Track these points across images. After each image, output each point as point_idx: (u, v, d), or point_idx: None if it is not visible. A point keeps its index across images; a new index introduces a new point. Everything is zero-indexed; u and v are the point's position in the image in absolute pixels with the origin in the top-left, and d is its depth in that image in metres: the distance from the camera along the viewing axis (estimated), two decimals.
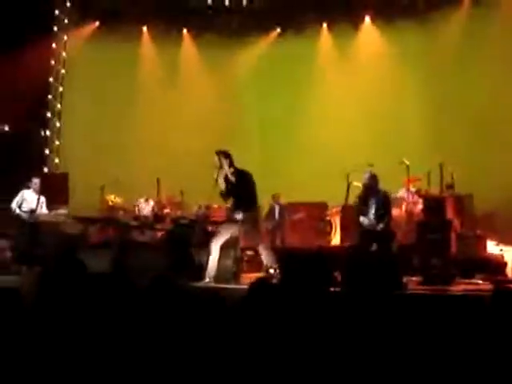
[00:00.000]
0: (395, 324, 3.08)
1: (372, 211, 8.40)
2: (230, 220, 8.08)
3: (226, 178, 7.86)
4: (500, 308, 3.31)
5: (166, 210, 11.50)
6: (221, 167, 7.87)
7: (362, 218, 8.41)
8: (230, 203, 8.16)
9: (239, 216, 7.85)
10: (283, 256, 7.62)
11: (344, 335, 2.97)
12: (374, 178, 8.49)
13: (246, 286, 3.60)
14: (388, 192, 8.67)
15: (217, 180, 7.89)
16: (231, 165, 7.92)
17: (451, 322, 3.03)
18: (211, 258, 7.80)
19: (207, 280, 7.68)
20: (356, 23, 14.23)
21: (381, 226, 8.30)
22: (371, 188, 8.49)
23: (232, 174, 7.85)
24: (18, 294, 3.40)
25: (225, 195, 8.00)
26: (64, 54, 14.15)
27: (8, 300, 3.28)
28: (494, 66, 12.19)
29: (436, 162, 10.39)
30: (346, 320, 3.19)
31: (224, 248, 7.95)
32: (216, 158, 7.93)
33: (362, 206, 8.53)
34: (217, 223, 9.70)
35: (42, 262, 7.59)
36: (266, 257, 7.93)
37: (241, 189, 7.86)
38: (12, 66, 11.99)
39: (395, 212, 9.99)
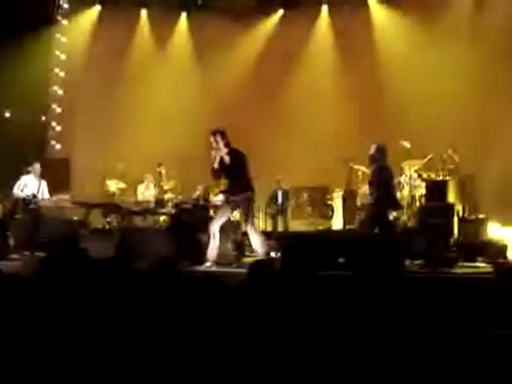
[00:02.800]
0: (397, 306, 3.09)
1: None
2: (227, 202, 7.97)
3: (221, 158, 7.73)
4: (500, 289, 3.32)
5: (167, 195, 11.49)
6: (217, 147, 7.76)
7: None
8: (223, 184, 8.04)
9: (236, 198, 7.74)
10: (285, 240, 7.62)
11: (345, 318, 2.97)
12: (378, 151, 8.36)
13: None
14: (387, 166, 8.42)
15: (214, 160, 7.77)
16: (227, 145, 7.81)
17: (452, 304, 3.03)
18: (211, 241, 7.76)
19: (209, 264, 7.67)
20: (357, 4, 14.11)
21: (370, 199, 8.27)
22: (375, 160, 8.35)
23: (227, 154, 7.72)
24: (19, 279, 3.40)
25: (216, 174, 7.90)
26: (65, 39, 14.08)
27: (9, 285, 3.28)
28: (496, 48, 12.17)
29: (439, 144, 10.35)
30: (347, 303, 3.19)
31: (224, 231, 7.93)
32: (212, 138, 7.81)
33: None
34: (217, 207, 9.70)
35: (44, 247, 7.60)
36: (254, 239, 7.78)
37: (235, 169, 7.73)
38: (13, 54, 11.98)
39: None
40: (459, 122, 12.00)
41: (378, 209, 8.19)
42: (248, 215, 7.85)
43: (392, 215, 8.41)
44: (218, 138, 7.79)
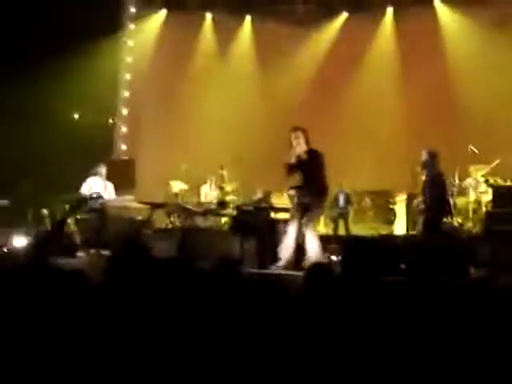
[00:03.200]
0: (459, 313, 3.03)
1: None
2: (298, 204, 7.72)
3: (298, 156, 7.55)
4: None
5: (229, 197, 11.59)
6: (297, 143, 7.58)
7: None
8: (296, 183, 7.74)
9: (307, 200, 7.55)
10: (347, 244, 7.53)
11: (406, 323, 2.94)
12: (431, 157, 8.26)
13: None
14: (440, 172, 8.36)
15: (291, 156, 7.57)
16: (307, 143, 7.64)
17: None
18: (285, 243, 7.60)
19: (280, 264, 7.49)
20: (424, 5, 13.86)
21: (422, 206, 8.19)
22: (427, 166, 8.28)
23: (305, 152, 7.56)
24: (82, 275, 3.49)
25: (290, 170, 7.65)
26: (131, 43, 14.38)
27: (73, 281, 3.37)
28: None
29: (507, 149, 10.06)
30: (408, 308, 3.15)
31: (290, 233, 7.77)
32: (293, 134, 7.64)
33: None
34: (279, 210, 9.67)
35: (109, 246, 7.79)
36: (311, 244, 7.47)
37: (311, 169, 7.55)
38: (83, 57, 12.31)
39: (460, 201, 9.78)
40: None
41: (432, 215, 8.12)
42: (312, 219, 7.68)
43: (456, 221, 8.25)
44: (299, 133, 7.65)
